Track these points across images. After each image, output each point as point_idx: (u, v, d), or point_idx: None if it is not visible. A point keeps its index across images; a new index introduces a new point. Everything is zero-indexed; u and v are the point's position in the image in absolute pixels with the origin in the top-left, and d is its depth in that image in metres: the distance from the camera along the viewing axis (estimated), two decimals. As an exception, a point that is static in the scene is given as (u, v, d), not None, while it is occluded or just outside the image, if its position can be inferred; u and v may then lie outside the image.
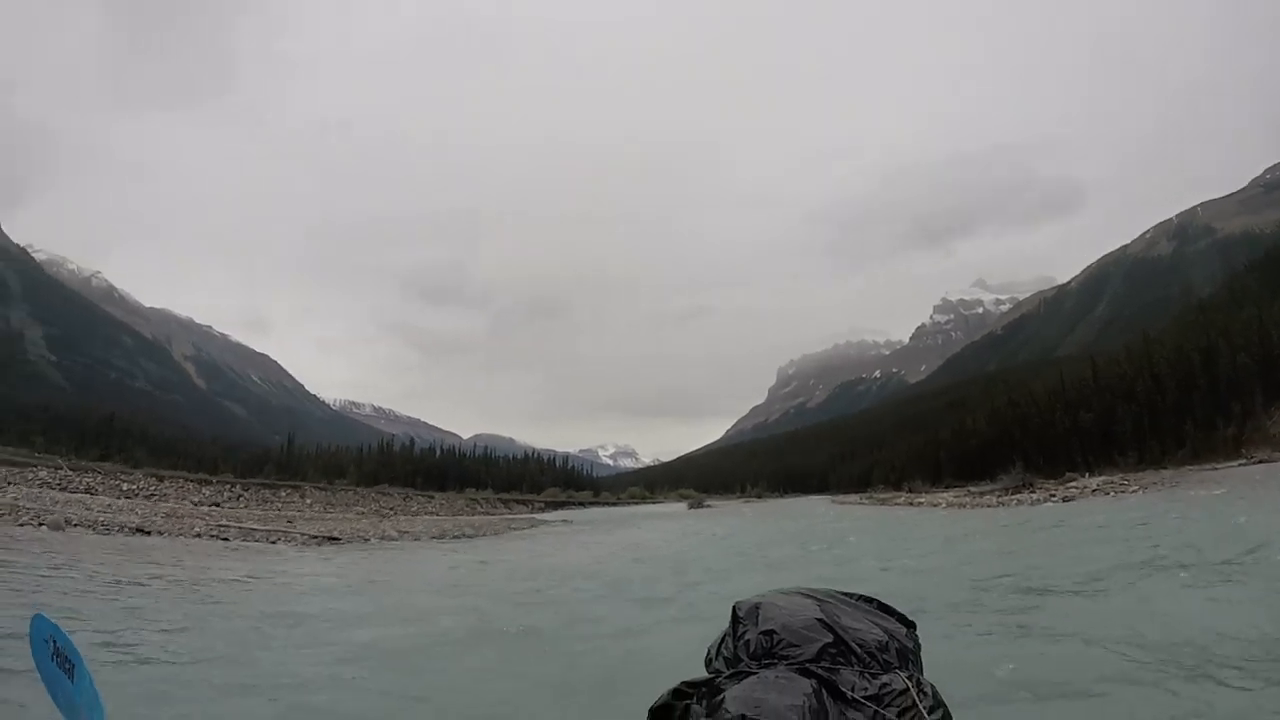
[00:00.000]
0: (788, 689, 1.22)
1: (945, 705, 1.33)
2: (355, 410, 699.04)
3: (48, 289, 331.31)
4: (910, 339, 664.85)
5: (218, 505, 47.04)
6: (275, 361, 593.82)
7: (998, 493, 55.96)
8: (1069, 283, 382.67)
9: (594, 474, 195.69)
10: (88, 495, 42.09)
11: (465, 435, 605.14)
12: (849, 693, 1.25)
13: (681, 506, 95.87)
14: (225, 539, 27.49)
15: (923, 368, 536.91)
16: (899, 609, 1.59)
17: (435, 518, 54.17)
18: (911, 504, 61.78)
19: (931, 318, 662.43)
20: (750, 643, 1.38)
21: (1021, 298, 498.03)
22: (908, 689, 1.31)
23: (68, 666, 1.84)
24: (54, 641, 1.85)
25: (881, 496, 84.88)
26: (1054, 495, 46.81)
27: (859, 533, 30.01)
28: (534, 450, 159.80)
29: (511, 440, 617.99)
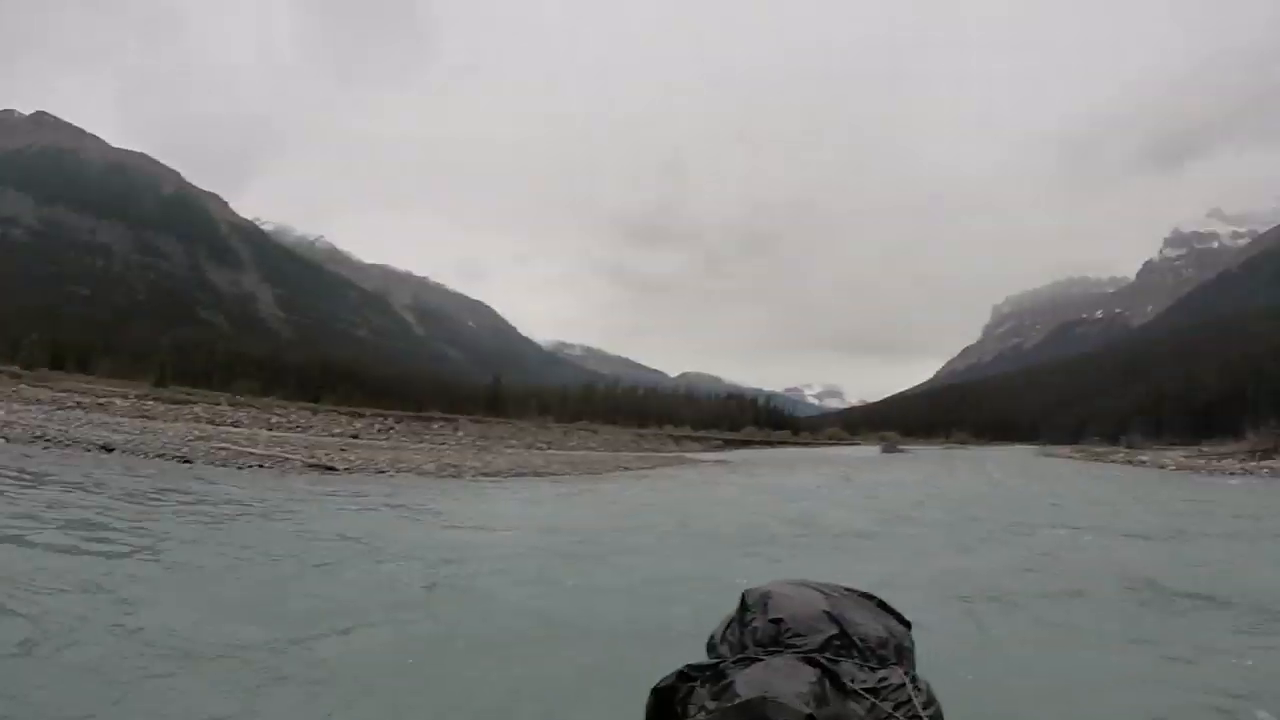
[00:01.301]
0: (794, 676, 1.25)
1: (938, 702, 1.25)
2: (566, 350, 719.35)
3: (276, 254, 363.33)
4: (1137, 276, 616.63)
5: (355, 437, 50.88)
6: (489, 307, 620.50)
7: (1241, 455, 47.94)
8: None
9: (797, 413, 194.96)
10: (231, 427, 45.59)
11: (672, 374, 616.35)
12: (849, 684, 1.28)
13: (874, 450, 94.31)
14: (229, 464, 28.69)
15: (1149, 308, 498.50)
16: (897, 608, 1.50)
17: (572, 453, 55.74)
18: (1131, 462, 56.58)
19: (1161, 253, 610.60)
20: (758, 630, 1.40)
21: (1263, 230, 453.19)
22: (904, 684, 1.21)
23: None
24: None
25: (1096, 451, 79.31)
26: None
27: (1059, 503, 27.24)
28: (738, 388, 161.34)
29: (718, 379, 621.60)
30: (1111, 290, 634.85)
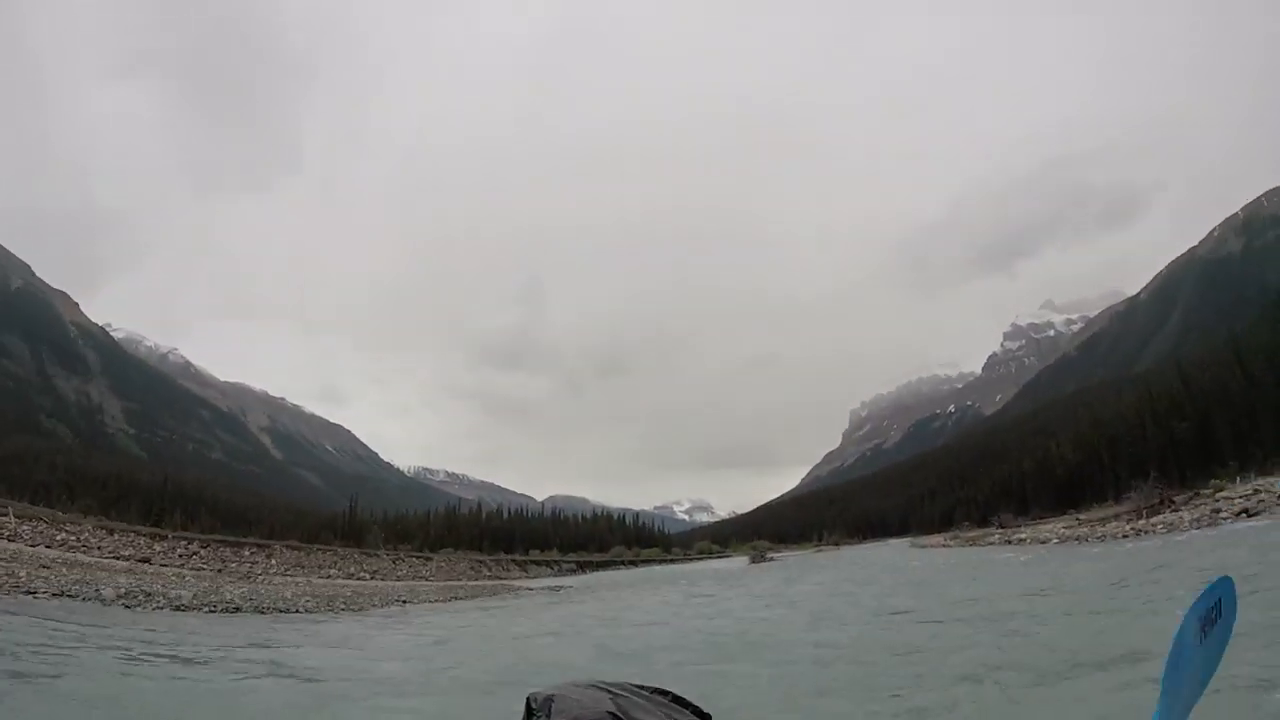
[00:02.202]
0: None
1: None
2: (429, 476, 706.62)
3: (125, 365, 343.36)
4: (983, 369, 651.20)
5: (146, 561, 45.15)
6: (349, 431, 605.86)
7: (1127, 516, 45.96)
8: (1139, 294, 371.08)
9: (667, 530, 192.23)
10: (7, 541, 40.83)
11: (540, 497, 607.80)
12: None
13: (743, 561, 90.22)
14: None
15: (998, 398, 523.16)
16: (694, 702, 1.59)
17: (390, 582, 52.00)
18: (1009, 541, 53.68)
19: (1002, 345, 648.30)
20: None
21: (1092, 315, 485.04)
22: None
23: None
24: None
25: (969, 535, 78.22)
26: (1214, 514, 35.26)
27: (925, 592, 25.11)
28: (606, 509, 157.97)
29: (585, 500, 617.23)
30: (960, 385, 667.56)
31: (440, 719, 10.36)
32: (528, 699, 1.47)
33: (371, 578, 53.60)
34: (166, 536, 53.95)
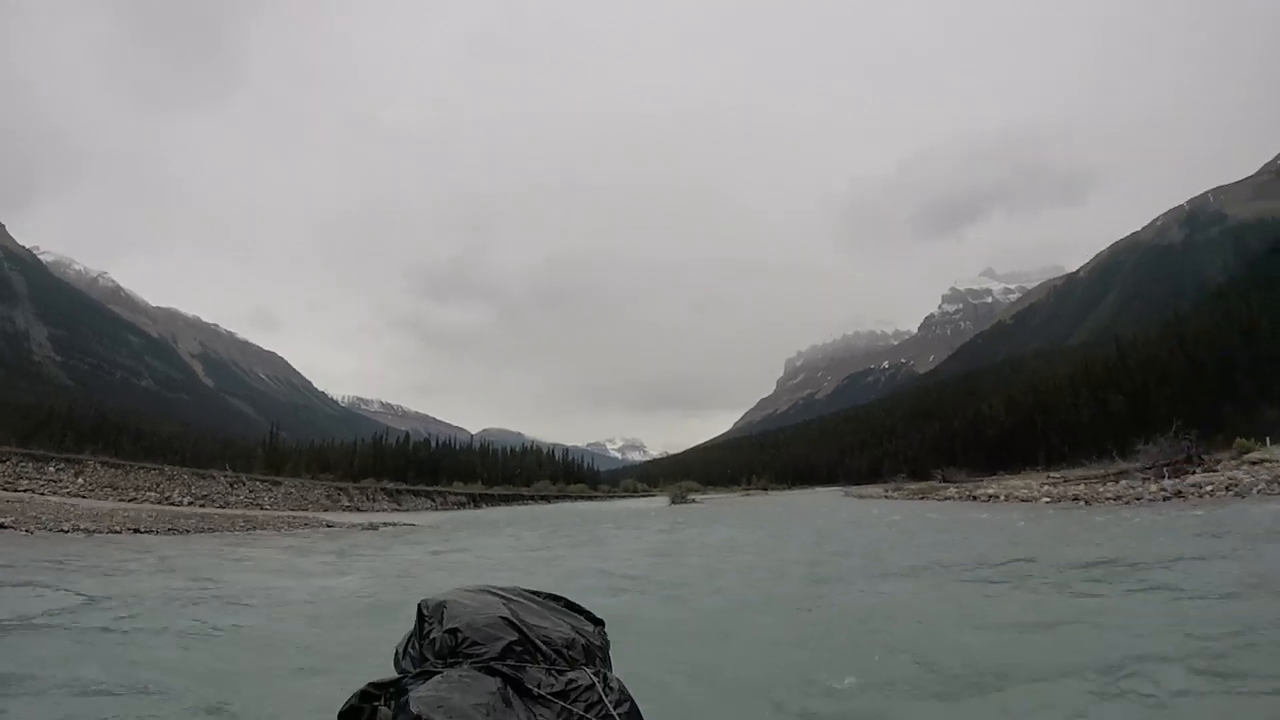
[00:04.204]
0: (472, 687, 1.23)
1: (632, 699, 1.36)
2: (363, 406, 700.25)
3: (53, 290, 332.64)
4: (919, 329, 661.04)
5: None
6: (283, 358, 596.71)
7: (1141, 475, 36.53)
8: (1078, 271, 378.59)
9: (598, 467, 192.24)
10: None
11: (474, 430, 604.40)
12: (535, 689, 1.27)
13: (663, 502, 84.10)
14: None
15: (931, 358, 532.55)
16: (587, 608, 1.61)
17: (207, 510, 44.36)
18: (973, 497, 44.19)
19: (940, 307, 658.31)
20: (435, 641, 1.38)
21: (1030, 286, 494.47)
22: (594, 684, 1.34)
23: None
24: None
25: (913, 488, 70.14)
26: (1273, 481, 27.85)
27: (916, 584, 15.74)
28: (537, 443, 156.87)
29: (520, 434, 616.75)
30: (896, 342, 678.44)
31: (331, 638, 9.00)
32: (419, 605, 1.47)
33: (191, 503, 48.08)
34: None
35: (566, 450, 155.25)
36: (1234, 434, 46.87)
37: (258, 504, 53.27)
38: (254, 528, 33.11)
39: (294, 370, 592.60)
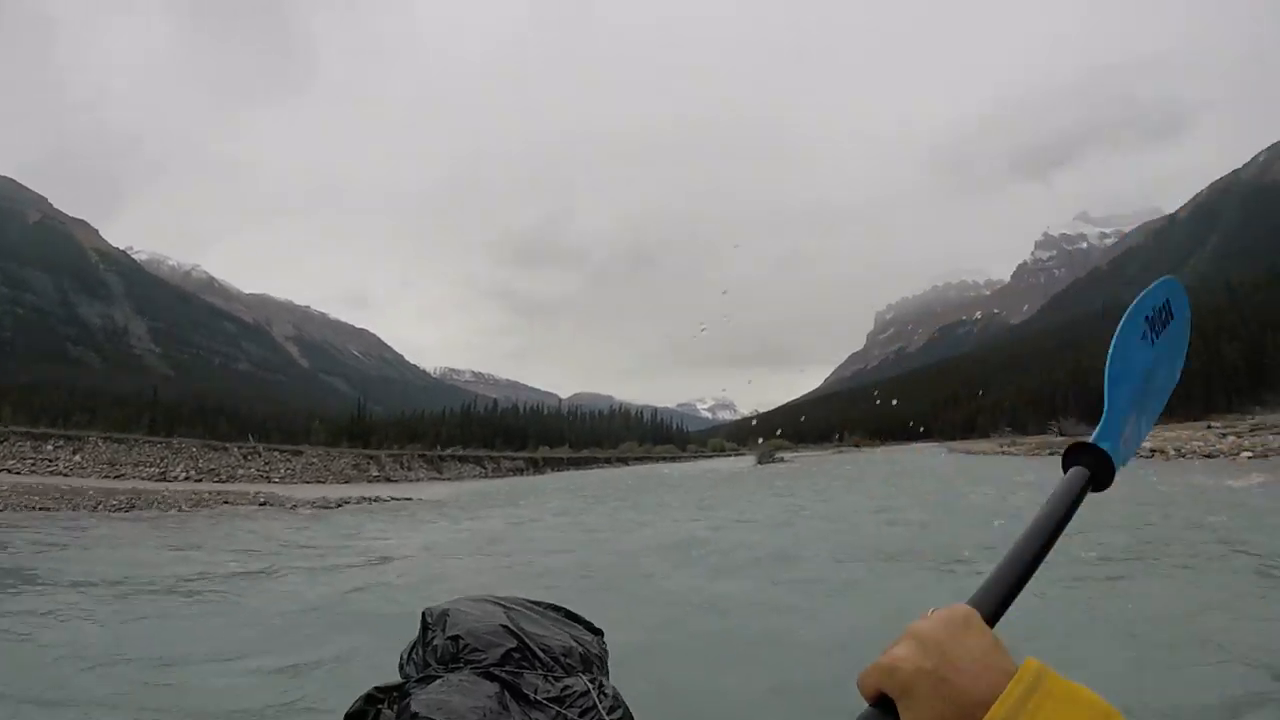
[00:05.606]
0: (471, 691, 1.28)
1: (626, 706, 1.41)
2: (454, 376, 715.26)
3: (148, 285, 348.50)
4: (1011, 277, 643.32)
5: None
6: (375, 335, 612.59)
7: None
8: (1177, 212, 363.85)
9: (688, 428, 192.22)
10: None
11: (564, 395, 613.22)
12: (532, 695, 1.31)
13: (750, 461, 79.48)
14: None
15: (1025, 308, 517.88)
16: (586, 618, 1.67)
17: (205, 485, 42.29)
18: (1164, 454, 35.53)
19: (1033, 254, 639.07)
20: (438, 648, 1.42)
21: (1127, 230, 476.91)
22: (589, 691, 1.38)
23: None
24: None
25: (1032, 442, 64.58)
26: None
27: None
28: (627, 405, 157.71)
29: (611, 397, 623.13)
30: (988, 292, 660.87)
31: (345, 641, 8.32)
32: (423, 614, 1.51)
33: (189, 478, 46.47)
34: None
35: (655, 412, 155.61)
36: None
37: (267, 476, 50.96)
38: (200, 505, 30.16)
39: (385, 345, 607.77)
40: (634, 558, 13.61)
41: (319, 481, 50.28)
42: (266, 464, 54.64)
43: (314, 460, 58.72)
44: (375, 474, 58.18)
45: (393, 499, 35.55)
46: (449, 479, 61.19)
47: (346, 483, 51.02)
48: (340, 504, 32.21)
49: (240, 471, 50.77)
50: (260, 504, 31.64)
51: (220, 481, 45.14)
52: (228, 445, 57.23)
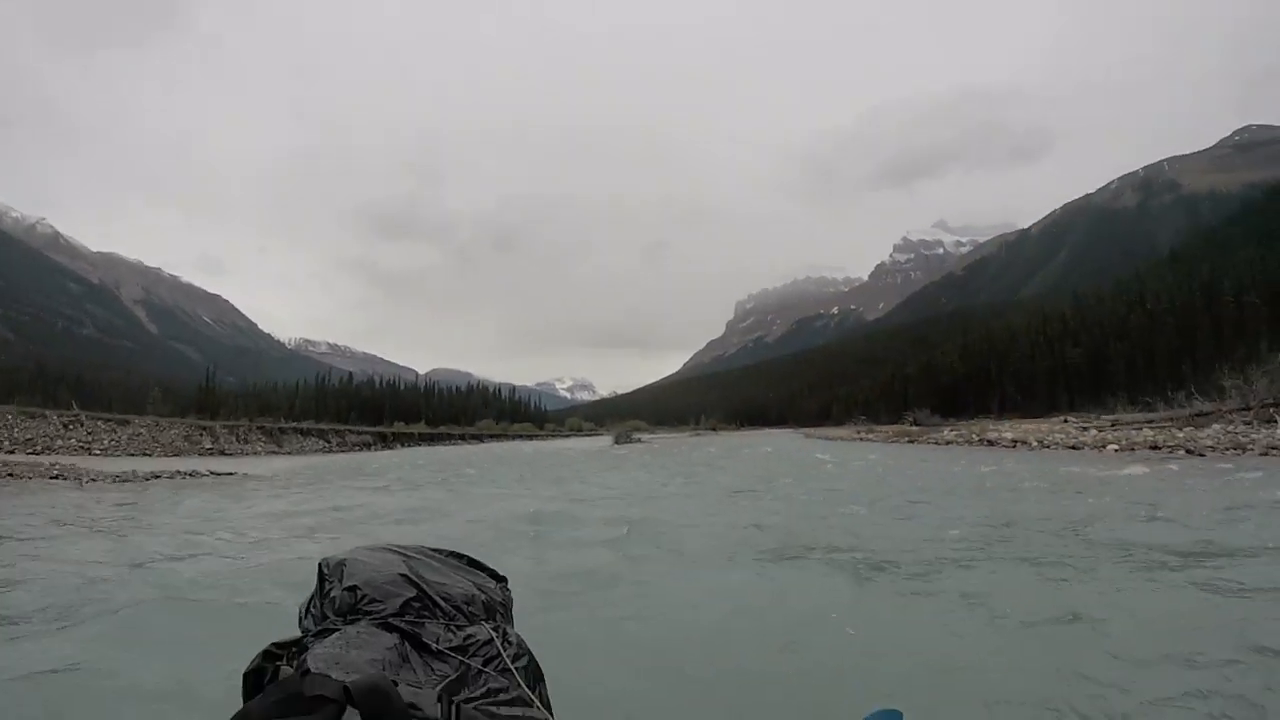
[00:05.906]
0: (369, 643, 1.24)
1: (531, 653, 1.39)
2: (310, 348, 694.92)
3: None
4: (869, 277, 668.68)
5: None
6: (228, 301, 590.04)
7: (1227, 417, 31.50)
8: (1030, 228, 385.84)
9: (546, 407, 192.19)
10: None
11: (422, 370, 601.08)
12: (433, 644, 1.28)
13: (607, 441, 79.46)
14: None
15: (881, 305, 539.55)
16: (489, 565, 1.63)
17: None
18: (987, 442, 38.43)
19: (891, 256, 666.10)
20: (335, 600, 1.38)
21: (982, 240, 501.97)
22: (492, 639, 1.35)
23: None
24: None
25: (889, 430, 66.95)
26: None
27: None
28: (485, 382, 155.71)
29: (469, 374, 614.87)
30: (846, 289, 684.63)
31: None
32: (320, 564, 1.47)
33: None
34: None
35: (514, 390, 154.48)
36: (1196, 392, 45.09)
37: (88, 448, 46.17)
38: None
39: (239, 313, 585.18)
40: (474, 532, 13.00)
41: (145, 454, 45.88)
42: (89, 434, 49.72)
43: (141, 431, 53.64)
44: (208, 447, 53.53)
45: (213, 473, 31.36)
46: (289, 453, 57.69)
47: (176, 455, 46.69)
48: (151, 478, 28.18)
49: (59, 443, 45.70)
50: (53, 477, 27.44)
51: (35, 454, 40.34)
52: (46, 413, 51.48)
